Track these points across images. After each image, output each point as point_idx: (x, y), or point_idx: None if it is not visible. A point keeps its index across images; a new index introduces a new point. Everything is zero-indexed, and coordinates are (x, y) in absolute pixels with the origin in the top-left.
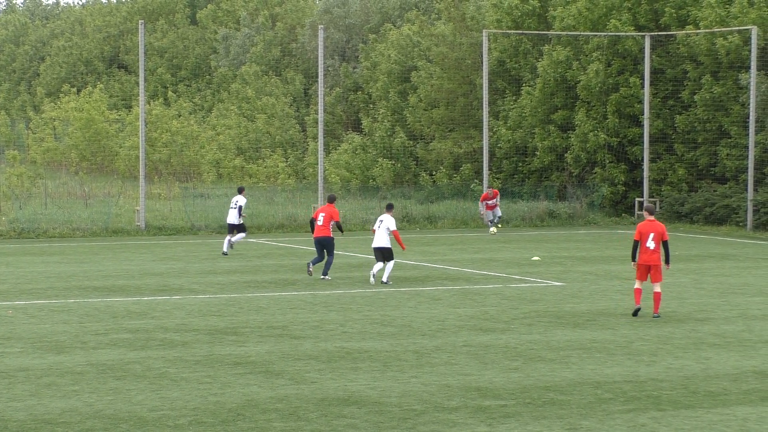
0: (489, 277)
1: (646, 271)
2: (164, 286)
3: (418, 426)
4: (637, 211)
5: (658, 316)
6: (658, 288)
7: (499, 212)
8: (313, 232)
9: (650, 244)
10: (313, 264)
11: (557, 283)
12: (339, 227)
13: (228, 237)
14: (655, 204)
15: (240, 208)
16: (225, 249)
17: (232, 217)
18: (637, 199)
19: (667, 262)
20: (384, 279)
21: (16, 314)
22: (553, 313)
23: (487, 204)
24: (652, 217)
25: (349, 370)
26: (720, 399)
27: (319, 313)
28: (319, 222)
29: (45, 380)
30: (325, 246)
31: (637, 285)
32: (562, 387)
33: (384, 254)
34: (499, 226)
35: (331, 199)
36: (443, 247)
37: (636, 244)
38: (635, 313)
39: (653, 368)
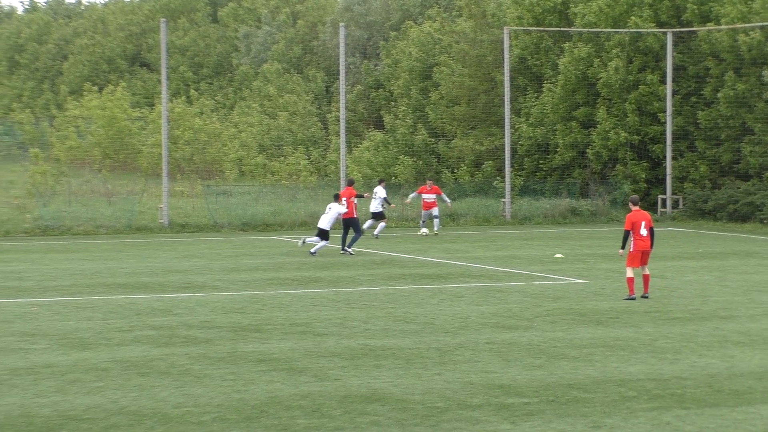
0: (512, 274)
1: (641, 258)
2: (187, 283)
3: (441, 423)
4: (660, 209)
5: (648, 296)
6: (647, 270)
7: (436, 212)
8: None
9: (643, 231)
10: (342, 241)
11: (580, 281)
12: (358, 196)
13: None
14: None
15: (384, 199)
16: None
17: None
18: (660, 196)
19: (651, 246)
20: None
21: (41, 311)
22: (576, 310)
23: (424, 200)
24: (637, 207)
25: (372, 368)
26: (745, 397)
27: (341, 310)
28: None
29: (70, 376)
30: (350, 224)
31: (630, 273)
32: (586, 385)
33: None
34: (436, 231)
35: (350, 182)
36: (465, 244)
37: (627, 234)
38: (630, 299)
39: (677, 366)
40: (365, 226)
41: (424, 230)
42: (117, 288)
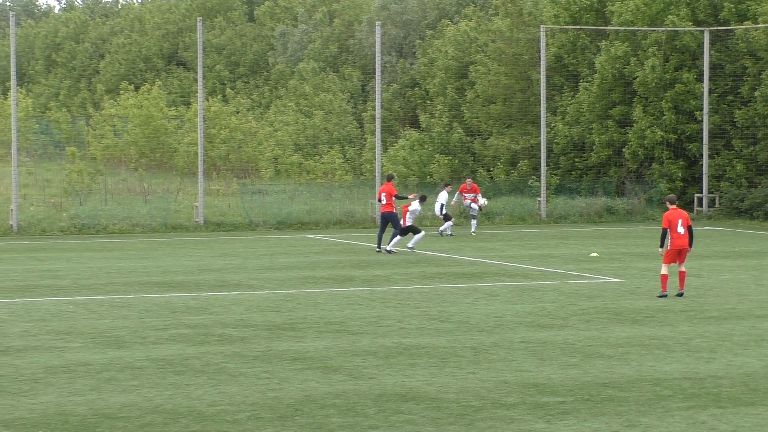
0: (547, 273)
1: (677, 255)
2: (223, 281)
3: (476, 422)
4: (696, 207)
5: (683, 294)
6: (683, 267)
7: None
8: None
9: (680, 229)
10: (379, 239)
11: (615, 280)
12: (399, 197)
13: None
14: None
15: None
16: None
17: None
18: (696, 195)
19: (690, 245)
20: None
21: (77, 309)
22: (611, 309)
23: (465, 199)
24: (674, 206)
25: (407, 366)
26: None
27: (376, 309)
28: (383, 201)
29: (105, 375)
30: (389, 219)
31: (665, 270)
32: (621, 384)
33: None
34: (449, 233)
35: (389, 178)
36: (501, 243)
37: (665, 232)
38: (662, 296)
39: (713, 365)
40: (446, 232)
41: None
42: (152, 286)
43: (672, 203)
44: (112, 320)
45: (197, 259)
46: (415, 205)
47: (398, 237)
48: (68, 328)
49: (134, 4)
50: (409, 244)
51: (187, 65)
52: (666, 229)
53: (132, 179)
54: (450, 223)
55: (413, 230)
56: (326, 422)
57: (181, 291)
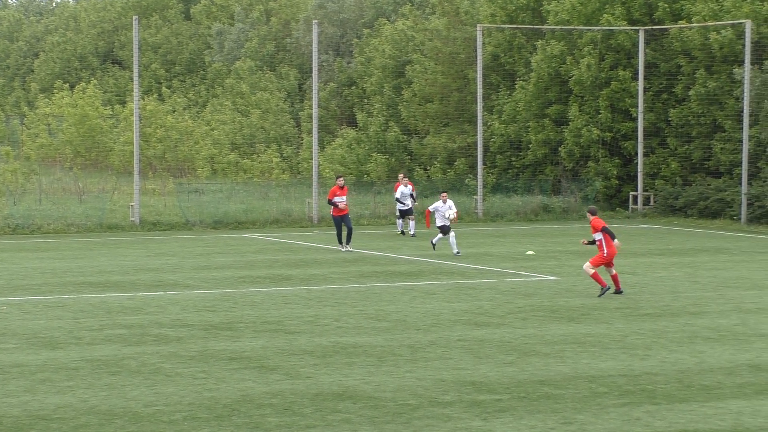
0: (483, 271)
1: (610, 262)
2: (159, 281)
3: (413, 420)
4: (631, 205)
5: (623, 292)
6: (614, 270)
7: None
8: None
9: (615, 240)
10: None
11: (552, 278)
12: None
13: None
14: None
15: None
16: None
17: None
18: (631, 193)
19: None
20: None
21: (11, 310)
22: (547, 307)
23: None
24: (596, 216)
25: (344, 365)
26: (714, 392)
27: (313, 308)
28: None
29: (39, 376)
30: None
31: (592, 270)
32: (557, 381)
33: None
34: (412, 233)
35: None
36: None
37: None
38: (605, 290)
39: (648, 362)
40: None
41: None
42: (88, 287)
43: (593, 214)
44: (47, 321)
45: (133, 258)
46: (436, 205)
47: (440, 235)
48: (2, 329)
49: (69, 2)
50: (433, 240)
51: (122, 64)
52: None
53: (67, 179)
54: (441, 236)
55: (443, 230)
56: (263, 422)
57: (117, 291)
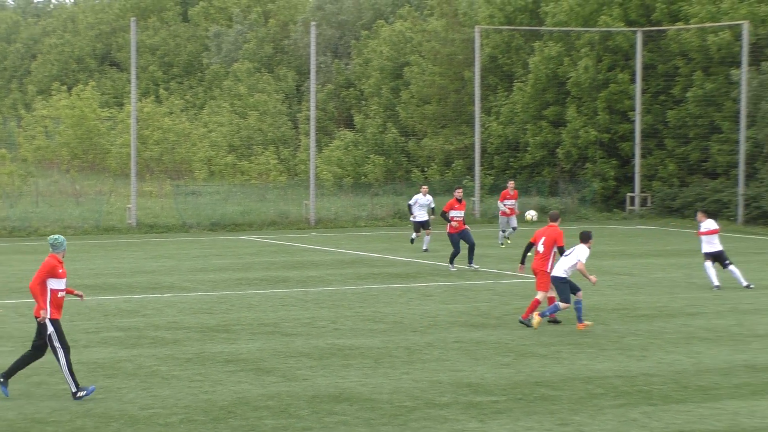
0: (480, 272)
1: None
2: (155, 283)
3: (410, 422)
4: (628, 206)
5: (525, 322)
6: (539, 296)
7: (514, 222)
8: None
9: (540, 247)
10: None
11: None
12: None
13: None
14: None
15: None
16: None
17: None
18: (628, 194)
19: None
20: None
21: (7, 313)
22: (544, 308)
23: (507, 207)
24: (555, 223)
25: (341, 367)
26: (711, 393)
27: (310, 310)
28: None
29: (35, 379)
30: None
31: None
32: (554, 382)
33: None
34: (509, 241)
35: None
36: (434, 243)
37: (529, 246)
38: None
39: (644, 363)
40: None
41: (504, 237)
42: (84, 289)
43: (553, 219)
44: None
45: (130, 261)
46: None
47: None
48: None
49: (67, 4)
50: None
51: (120, 66)
52: (531, 243)
53: (64, 181)
54: (425, 237)
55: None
56: (260, 424)
57: (114, 293)
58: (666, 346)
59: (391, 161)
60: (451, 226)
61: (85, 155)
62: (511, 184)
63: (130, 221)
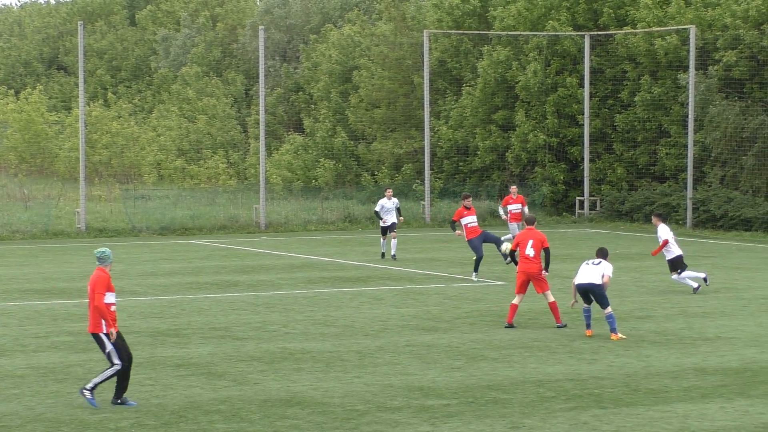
0: (431, 276)
1: (527, 283)
2: None
3: (361, 426)
4: (577, 210)
5: (564, 326)
6: (550, 298)
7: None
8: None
9: (529, 251)
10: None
11: (499, 283)
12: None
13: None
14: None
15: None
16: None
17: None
18: (577, 198)
19: (546, 268)
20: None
21: None
22: (495, 312)
23: (510, 212)
24: (531, 227)
25: (292, 371)
26: (661, 396)
27: (261, 314)
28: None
29: None
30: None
31: (515, 300)
32: (505, 386)
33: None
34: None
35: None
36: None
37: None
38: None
39: (595, 366)
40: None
41: (506, 245)
42: (33, 294)
43: (531, 223)
44: None
45: (79, 265)
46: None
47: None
48: None
49: (13, 7)
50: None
51: (68, 70)
52: (513, 250)
53: (12, 185)
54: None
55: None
56: (211, 428)
57: (63, 298)
58: (616, 350)
59: (340, 165)
60: (468, 233)
61: (33, 159)
62: (513, 188)
63: (79, 225)
